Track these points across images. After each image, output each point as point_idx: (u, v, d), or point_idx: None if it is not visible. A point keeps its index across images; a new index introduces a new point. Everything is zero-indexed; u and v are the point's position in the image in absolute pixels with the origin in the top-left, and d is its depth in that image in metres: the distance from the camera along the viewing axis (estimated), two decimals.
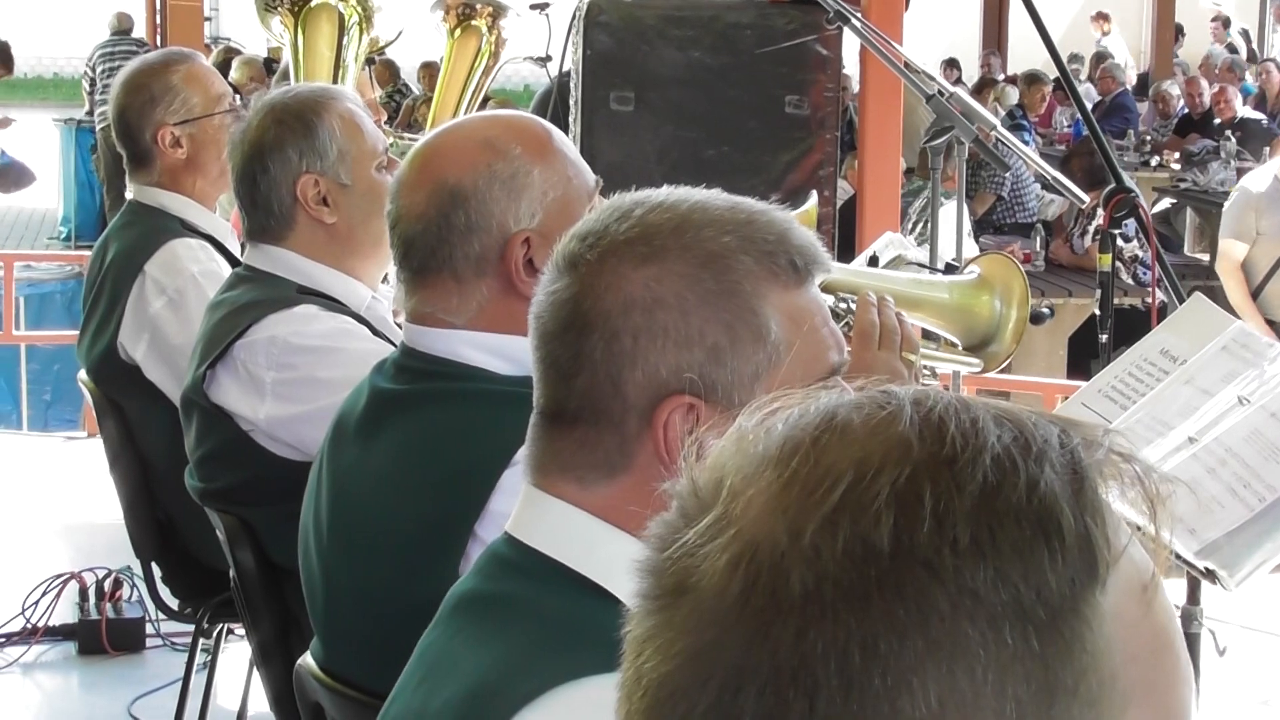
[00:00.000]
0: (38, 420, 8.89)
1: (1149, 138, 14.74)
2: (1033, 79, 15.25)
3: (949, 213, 4.85)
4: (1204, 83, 15.78)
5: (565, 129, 4.17)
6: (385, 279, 3.45)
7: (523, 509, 1.63)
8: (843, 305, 2.65)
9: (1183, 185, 12.60)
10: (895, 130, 6.76)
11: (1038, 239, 9.57)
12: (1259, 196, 7.92)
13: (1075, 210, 9.51)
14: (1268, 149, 13.25)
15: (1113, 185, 3.54)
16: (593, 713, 1.42)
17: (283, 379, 2.91)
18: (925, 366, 2.92)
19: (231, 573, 3.07)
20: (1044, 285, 8.91)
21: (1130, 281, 8.87)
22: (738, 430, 0.87)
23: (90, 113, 13.89)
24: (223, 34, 18.93)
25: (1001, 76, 16.63)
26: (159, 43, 11.37)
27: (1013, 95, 14.81)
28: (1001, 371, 3.25)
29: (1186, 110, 15.23)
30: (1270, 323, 7.73)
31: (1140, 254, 8.92)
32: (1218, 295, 8.88)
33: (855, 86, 9.73)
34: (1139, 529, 0.84)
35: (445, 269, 2.27)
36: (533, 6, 7.61)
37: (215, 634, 3.80)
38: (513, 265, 2.25)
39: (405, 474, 2.23)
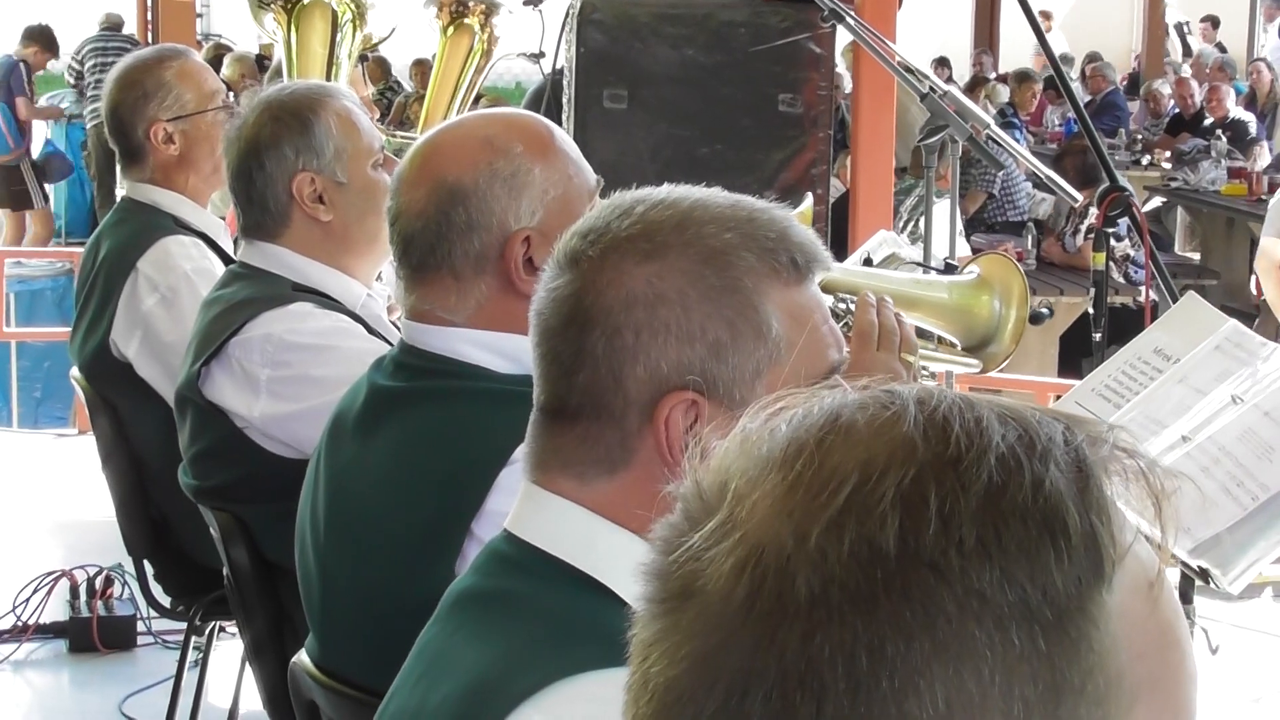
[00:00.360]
0: (28, 417, 8.88)
1: (1140, 136, 14.76)
2: (1023, 77, 15.27)
3: (942, 211, 4.86)
4: (1194, 83, 15.80)
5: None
6: (380, 277, 3.45)
7: (522, 506, 1.63)
8: (842, 305, 2.65)
9: (1173, 184, 12.62)
10: (888, 128, 6.76)
11: (1029, 237, 9.58)
12: None
13: (1067, 209, 9.51)
14: (1257, 148, 13.28)
15: (1107, 184, 3.55)
16: (591, 707, 1.43)
17: (278, 376, 2.91)
18: (923, 367, 2.92)
19: (225, 570, 3.06)
20: (1036, 284, 8.89)
21: (1121, 280, 8.87)
22: (741, 432, 0.87)
23: (80, 98, 13.88)
24: (214, 30, 18.90)
25: (993, 75, 16.65)
26: (150, 39, 11.35)
27: (1003, 93, 14.83)
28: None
29: (1177, 109, 15.24)
30: None
31: (1132, 253, 8.93)
32: (1209, 294, 8.89)
33: (846, 85, 9.72)
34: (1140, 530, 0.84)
35: (445, 266, 2.27)
36: (526, 2, 7.61)
37: (207, 632, 3.80)
38: (512, 263, 2.25)
39: (403, 472, 2.23)
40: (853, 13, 4.25)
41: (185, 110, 3.77)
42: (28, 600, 4.99)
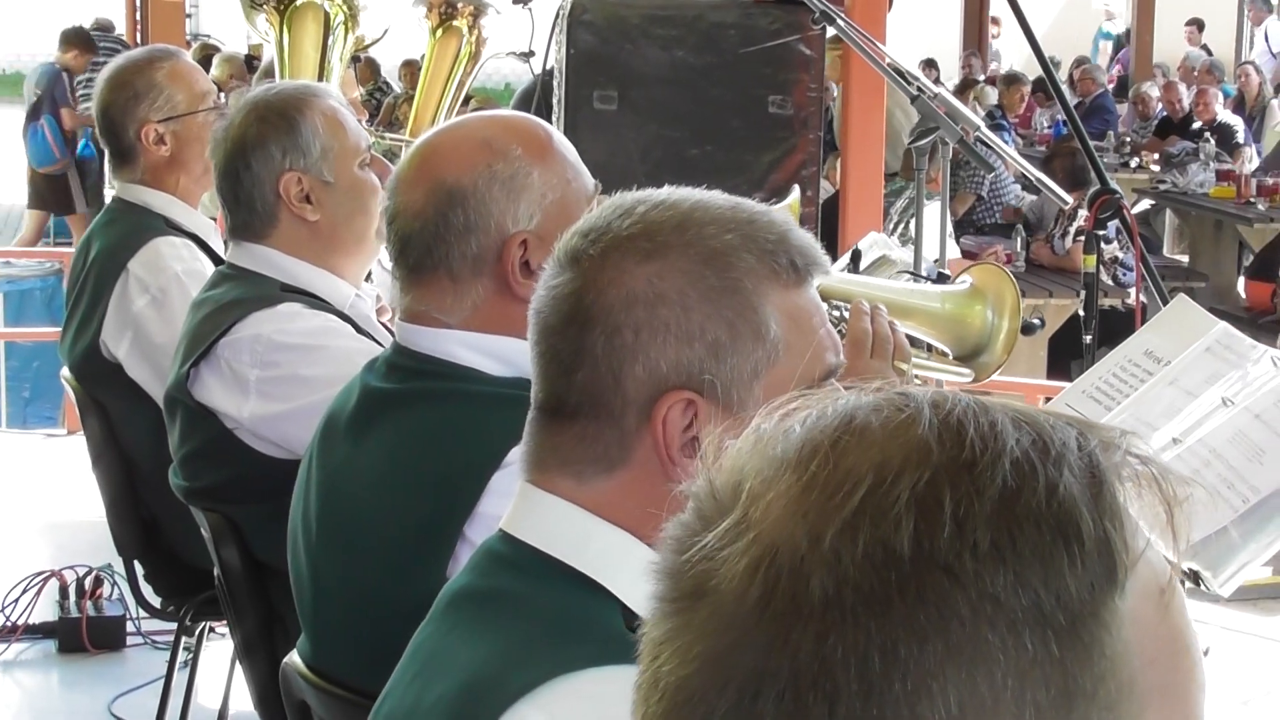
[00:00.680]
0: (16, 418, 8.86)
1: (1128, 139, 14.78)
2: (1011, 79, 15.30)
3: (932, 213, 4.86)
4: (1182, 86, 15.82)
5: None
6: (369, 277, 3.45)
7: (518, 505, 1.64)
8: (836, 313, 2.66)
9: (1162, 187, 12.63)
10: (878, 130, 6.77)
11: (1018, 239, 9.59)
12: None
13: (1054, 209, 9.53)
14: (1248, 150, 13.31)
15: (1097, 186, 3.55)
16: (587, 705, 1.43)
17: (267, 377, 2.91)
18: (916, 376, 2.93)
19: (216, 570, 3.06)
20: (1025, 286, 8.90)
21: (1110, 282, 8.88)
22: (755, 432, 0.87)
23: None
24: (202, 31, 18.88)
25: (982, 77, 16.67)
26: (139, 40, 11.33)
27: (992, 96, 14.85)
28: None
29: (1165, 113, 15.27)
30: None
31: (1120, 255, 8.94)
32: (1197, 296, 8.90)
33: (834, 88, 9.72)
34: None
35: (441, 268, 2.27)
36: (515, 1, 7.60)
37: (197, 632, 3.79)
38: (509, 266, 2.25)
39: (395, 474, 2.23)
40: (843, 14, 4.25)
41: (176, 111, 3.77)
42: (17, 600, 4.98)
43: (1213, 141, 12.94)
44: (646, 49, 5.62)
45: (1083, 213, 3.72)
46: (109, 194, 3.91)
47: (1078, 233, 8.82)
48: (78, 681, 4.85)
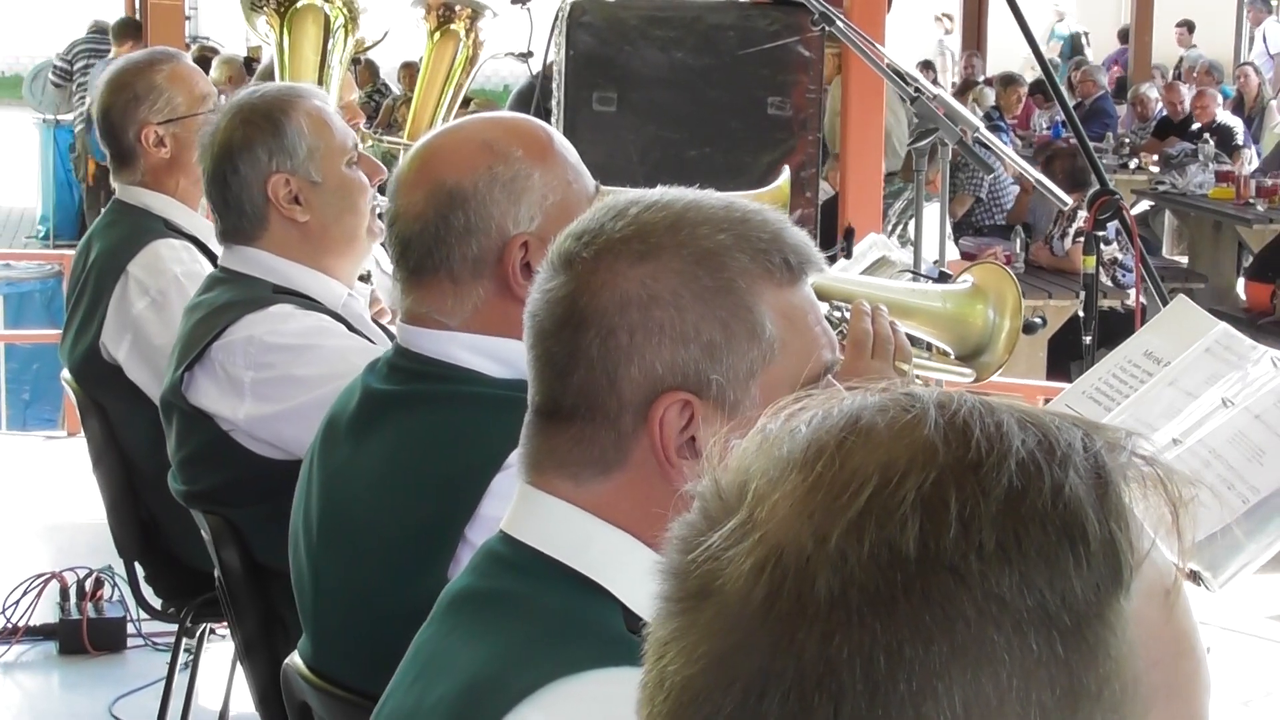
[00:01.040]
0: (16, 420, 8.86)
1: (1127, 140, 14.78)
2: (1008, 80, 15.30)
3: (931, 215, 4.87)
4: (1183, 87, 15.82)
5: None
6: (368, 277, 3.45)
7: (518, 506, 1.64)
8: (837, 313, 2.66)
9: (1161, 188, 12.63)
10: (877, 131, 6.77)
11: (1018, 241, 9.59)
12: None
13: (1054, 211, 9.53)
14: (1247, 151, 13.31)
15: (1096, 187, 3.56)
16: (588, 707, 1.43)
17: (261, 378, 2.92)
18: (917, 376, 2.93)
19: (216, 572, 3.07)
20: (1024, 287, 8.85)
21: (1110, 284, 8.88)
22: (761, 432, 0.87)
23: (65, 103, 13.83)
24: (201, 33, 18.87)
25: (982, 78, 16.67)
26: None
27: (990, 97, 14.85)
28: None
29: (1165, 113, 15.27)
30: None
31: (1120, 256, 8.94)
32: (1197, 297, 8.90)
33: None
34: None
35: (442, 270, 2.27)
36: (514, 1, 7.60)
37: (198, 634, 3.80)
38: (510, 268, 2.25)
39: (396, 475, 2.23)
40: (842, 16, 4.25)
41: (176, 113, 3.77)
42: (17, 602, 4.98)
43: (1212, 143, 12.94)
44: (645, 50, 5.62)
45: (1082, 214, 3.72)
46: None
47: (1077, 234, 8.82)
48: (78, 683, 4.85)
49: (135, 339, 3.58)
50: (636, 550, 1.55)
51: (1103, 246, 8.50)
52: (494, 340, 2.27)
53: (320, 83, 4.30)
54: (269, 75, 4.50)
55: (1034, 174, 4.12)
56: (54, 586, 5.02)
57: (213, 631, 3.96)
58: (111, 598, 5.00)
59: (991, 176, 10.44)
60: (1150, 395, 2.98)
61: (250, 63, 11.19)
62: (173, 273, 3.60)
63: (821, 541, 0.80)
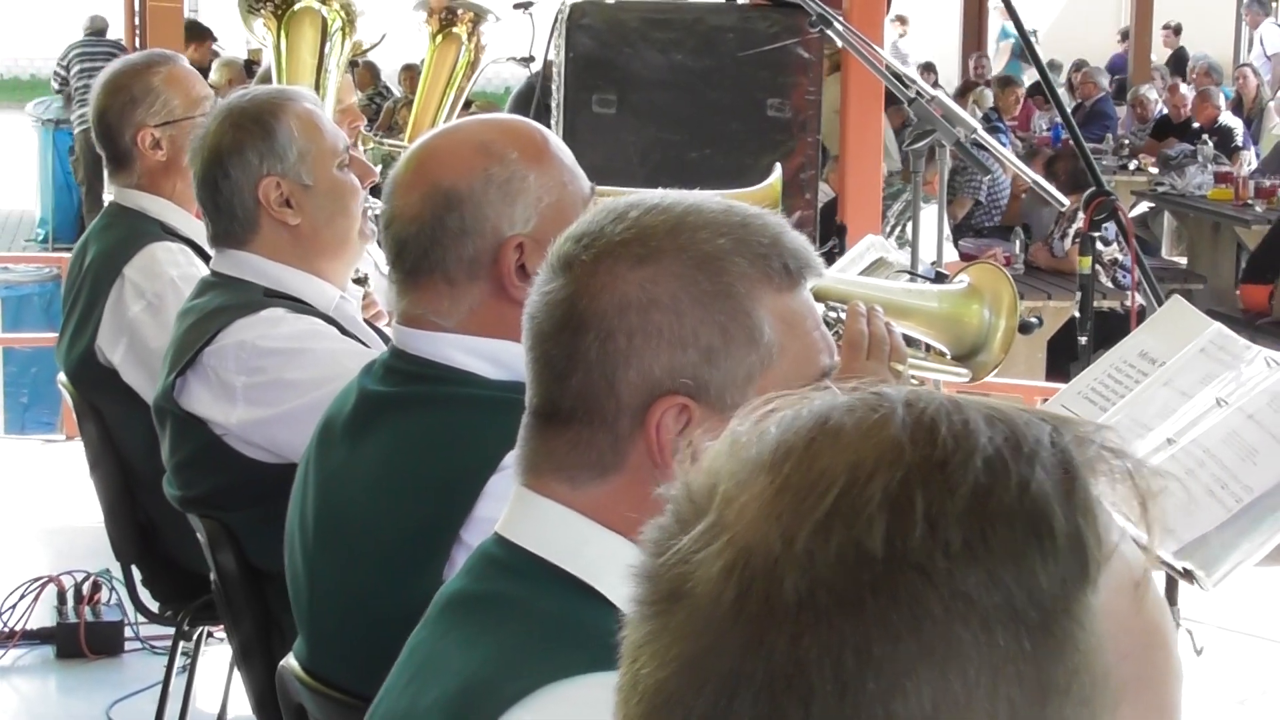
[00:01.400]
0: (14, 423, 8.85)
1: (1127, 142, 14.78)
2: (1006, 82, 15.32)
3: (929, 216, 4.87)
4: (1184, 88, 15.83)
5: None
6: (365, 280, 3.45)
7: (514, 509, 1.64)
8: (832, 314, 2.66)
9: (1160, 189, 12.63)
10: (876, 133, 6.77)
11: (1017, 242, 9.60)
12: None
13: (1056, 213, 9.53)
14: (1246, 153, 13.31)
15: (1093, 188, 3.56)
16: (582, 711, 1.43)
17: (253, 383, 2.92)
18: (913, 376, 2.93)
19: (213, 576, 3.07)
20: (1023, 288, 8.90)
21: (1110, 285, 8.89)
22: (731, 434, 0.87)
23: (65, 108, 13.83)
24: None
25: (982, 81, 16.67)
26: (138, 44, 11.32)
27: (989, 98, 14.86)
28: None
29: (1165, 113, 15.27)
30: None
31: (1120, 257, 8.94)
32: (1196, 298, 8.90)
33: None
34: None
35: (437, 271, 2.27)
36: (516, 6, 7.60)
37: (195, 637, 3.79)
38: (505, 270, 2.25)
39: (392, 477, 2.23)
40: (840, 18, 4.26)
41: (173, 116, 3.77)
42: (15, 606, 4.98)
43: (1211, 144, 12.94)
44: (645, 52, 5.62)
45: (1081, 215, 3.73)
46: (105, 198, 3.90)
47: (1076, 235, 8.82)
48: (76, 687, 4.85)
49: (131, 342, 3.58)
50: (632, 554, 1.55)
51: (1103, 247, 8.52)
52: (490, 342, 2.27)
53: (317, 85, 4.30)
54: (269, 78, 4.50)
55: (1030, 175, 4.12)
56: (51, 590, 5.02)
57: (210, 635, 3.96)
58: (109, 601, 5.00)
59: (990, 178, 10.44)
60: (1145, 395, 2.99)
61: (251, 65, 11.18)
62: (169, 276, 3.60)
63: (789, 543, 0.80)
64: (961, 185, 10.46)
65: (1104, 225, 3.77)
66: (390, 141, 5.30)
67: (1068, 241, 9.24)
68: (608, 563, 1.55)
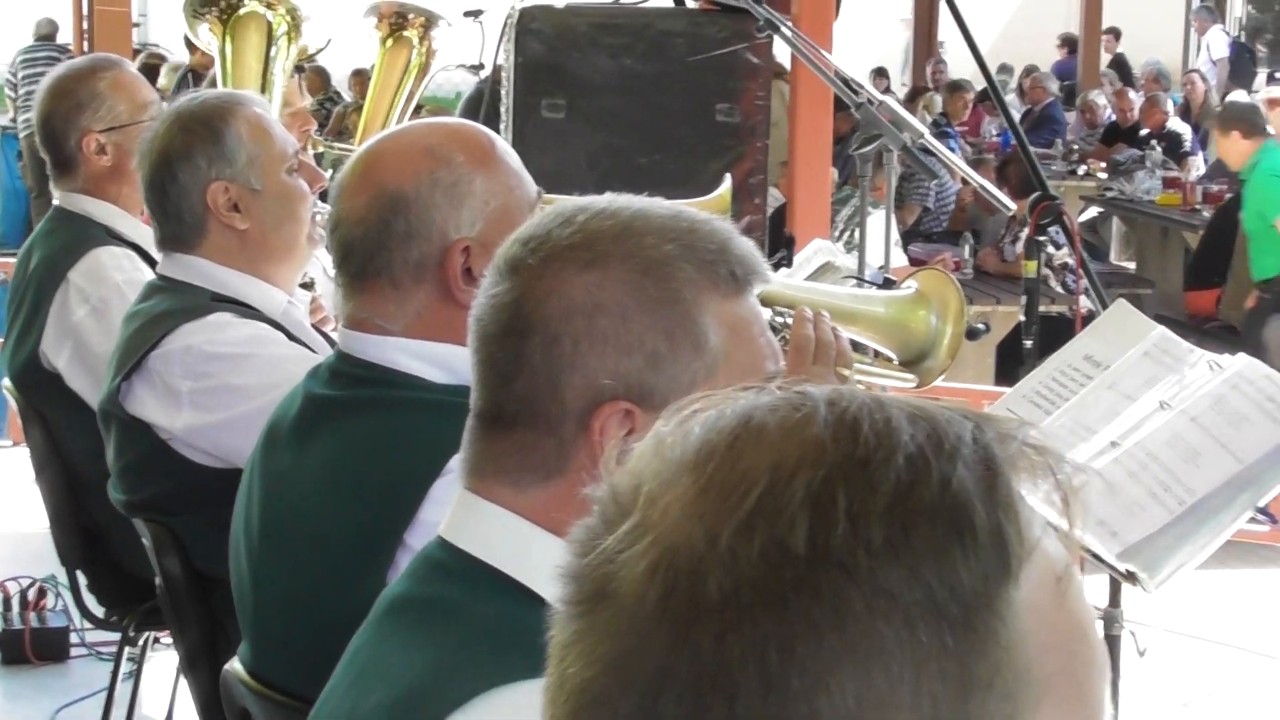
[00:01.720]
0: None
1: (1076, 147, 14.86)
2: (954, 87, 15.36)
3: (877, 221, 4.89)
4: (1132, 94, 15.93)
5: None
6: (312, 284, 3.44)
7: (457, 512, 1.64)
8: (779, 319, 2.67)
9: (1109, 194, 12.69)
10: (826, 139, 6.79)
11: (967, 247, 9.64)
12: None
13: (1006, 218, 9.57)
14: (1194, 158, 13.40)
15: (1038, 193, 3.58)
16: (523, 716, 1.43)
17: (199, 388, 2.91)
18: (859, 382, 2.94)
19: (158, 581, 3.05)
20: (972, 293, 8.94)
21: (1059, 289, 8.93)
22: (655, 435, 0.88)
23: (14, 119, 13.78)
24: (151, 40, 18.78)
25: (932, 86, 16.75)
26: (86, 49, 11.27)
27: (939, 104, 14.92)
28: None
29: (1113, 119, 15.36)
30: None
31: (1070, 261, 8.98)
32: (1144, 303, 8.96)
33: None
34: (1050, 522, 0.85)
35: (383, 275, 2.27)
36: (467, 14, 7.60)
37: (141, 643, 3.78)
38: (452, 273, 2.25)
39: (337, 481, 2.23)
40: (789, 23, 4.27)
41: (118, 121, 3.75)
42: None
43: (1159, 149, 13.02)
44: (595, 57, 5.63)
45: (1028, 219, 3.75)
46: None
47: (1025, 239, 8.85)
48: (21, 693, 4.82)
49: (76, 347, 3.56)
50: None
51: (1054, 251, 8.56)
52: (435, 345, 2.27)
53: (263, 90, 4.29)
54: (216, 84, 4.48)
55: (976, 179, 4.14)
56: None
57: (157, 640, 3.94)
58: (55, 607, 4.97)
59: (937, 183, 10.48)
60: (1090, 399, 3.01)
61: (193, 73, 11.13)
62: (114, 281, 3.58)
63: (713, 542, 0.81)
64: (909, 192, 10.50)
65: (1050, 230, 3.79)
66: (340, 145, 5.29)
67: (1017, 246, 9.26)
68: (551, 567, 1.55)
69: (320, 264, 3.56)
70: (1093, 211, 13.31)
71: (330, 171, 3.77)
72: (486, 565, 1.58)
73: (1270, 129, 9.37)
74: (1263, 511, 2.83)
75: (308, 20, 4.49)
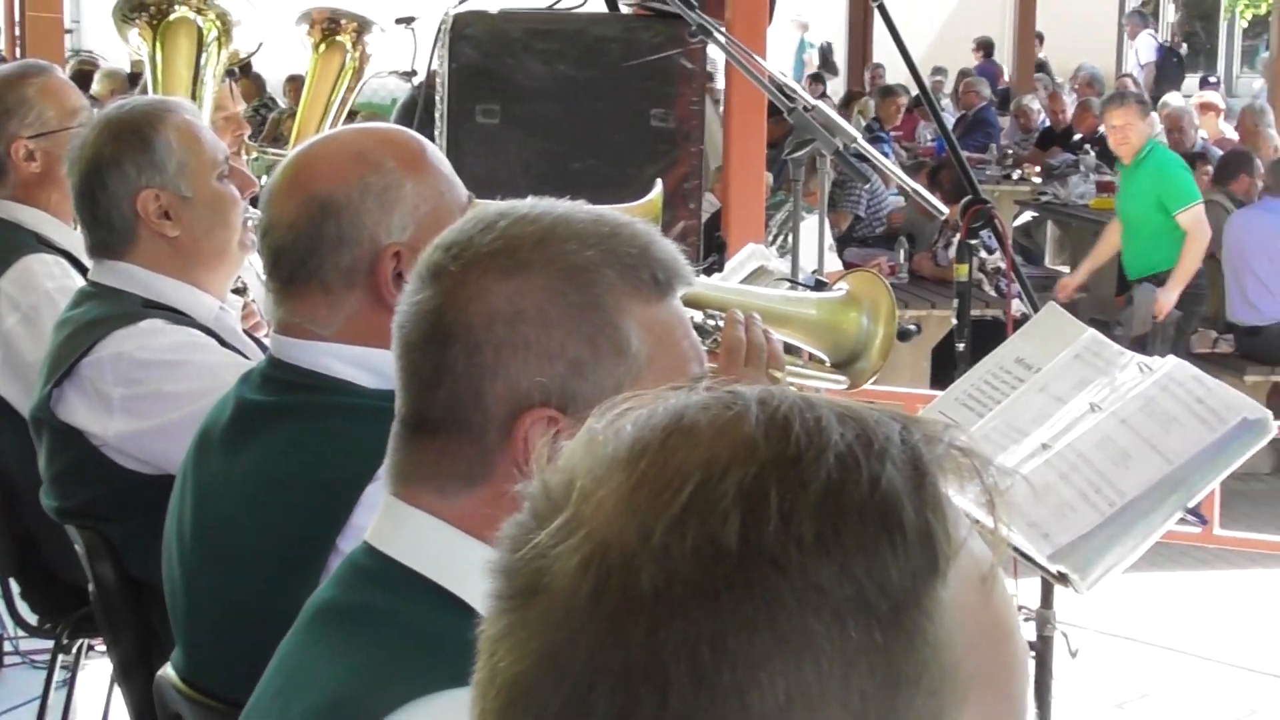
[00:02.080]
0: None
1: (1010, 151, 14.95)
2: (887, 92, 15.43)
3: (810, 225, 4.90)
4: (1066, 97, 16.03)
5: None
6: (245, 290, 3.43)
7: (383, 518, 1.63)
8: (711, 322, 2.68)
9: (1044, 198, 12.78)
10: (759, 144, 6.80)
11: (901, 251, 9.68)
12: None
13: (929, 222, 9.63)
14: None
15: (969, 197, 3.61)
16: None
17: (130, 395, 2.89)
18: (791, 383, 2.95)
19: (91, 587, 3.04)
20: (907, 297, 9.00)
21: (993, 293, 8.98)
22: (588, 432, 0.88)
23: None
24: (85, 47, 18.65)
25: (868, 90, 16.82)
26: (18, 55, 11.19)
27: (873, 108, 14.99)
28: None
29: (1048, 124, 15.46)
30: None
31: (1004, 265, 9.04)
32: (1079, 307, 9.02)
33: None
34: (977, 522, 0.86)
35: (314, 280, 2.27)
36: (398, 21, 7.58)
37: (75, 650, 3.75)
38: (382, 278, 2.25)
39: (269, 486, 2.22)
40: (723, 29, 4.28)
41: (47, 127, 3.73)
42: None
43: (1093, 153, 13.12)
44: (528, 63, 5.62)
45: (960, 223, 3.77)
46: None
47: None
48: None
49: (6, 354, 3.54)
50: None
51: (987, 255, 8.61)
52: (367, 350, 2.27)
53: (194, 96, 4.27)
54: (147, 90, 4.46)
55: (909, 184, 4.16)
56: None
57: (90, 648, 3.92)
58: None
59: (869, 190, 10.52)
60: (1022, 401, 3.03)
61: (135, 76, 11.08)
62: (44, 288, 3.56)
63: (646, 537, 0.81)
64: (840, 199, 10.52)
65: (982, 234, 3.81)
66: (273, 151, 5.27)
67: (951, 250, 9.31)
68: (476, 573, 1.55)
69: (254, 269, 3.55)
70: (1027, 216, 13.40)
71: (262, 178, 3.76)
72: (412, 572, 1.58)
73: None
74: (1193, 513, 2.85)
75: (238, 25, 4.48)
